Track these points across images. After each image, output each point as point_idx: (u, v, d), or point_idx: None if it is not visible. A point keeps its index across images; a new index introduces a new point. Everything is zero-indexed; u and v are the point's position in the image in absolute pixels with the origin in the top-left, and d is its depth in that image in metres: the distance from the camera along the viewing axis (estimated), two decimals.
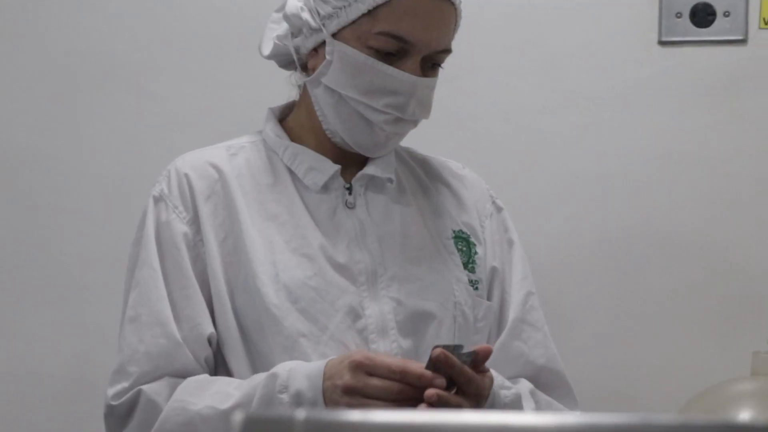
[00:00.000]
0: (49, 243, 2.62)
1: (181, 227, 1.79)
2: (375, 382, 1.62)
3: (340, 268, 1.77)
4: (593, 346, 2.46)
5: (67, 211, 2.62)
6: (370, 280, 1.80)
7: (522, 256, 1.95)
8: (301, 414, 0.90)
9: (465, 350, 1.63)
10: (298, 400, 1.64)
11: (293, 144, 1.84)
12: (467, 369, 1.62)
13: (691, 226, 2.53)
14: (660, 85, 2.55)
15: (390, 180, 1.86)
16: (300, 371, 1.67)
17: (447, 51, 1.80)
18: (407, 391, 1.61)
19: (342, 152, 1.84)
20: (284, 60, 1.86)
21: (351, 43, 1.77)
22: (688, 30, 2.56)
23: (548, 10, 2.60)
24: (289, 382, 1.66)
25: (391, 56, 1.77)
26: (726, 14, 2.54)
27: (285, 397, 1.65)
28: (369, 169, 1.84)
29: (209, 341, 1.77)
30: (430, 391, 1.60)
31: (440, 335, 1.80)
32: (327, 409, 1.62)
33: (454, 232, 1.91)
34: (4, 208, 2.64)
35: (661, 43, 2.56)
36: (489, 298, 1.89)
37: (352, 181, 1.84)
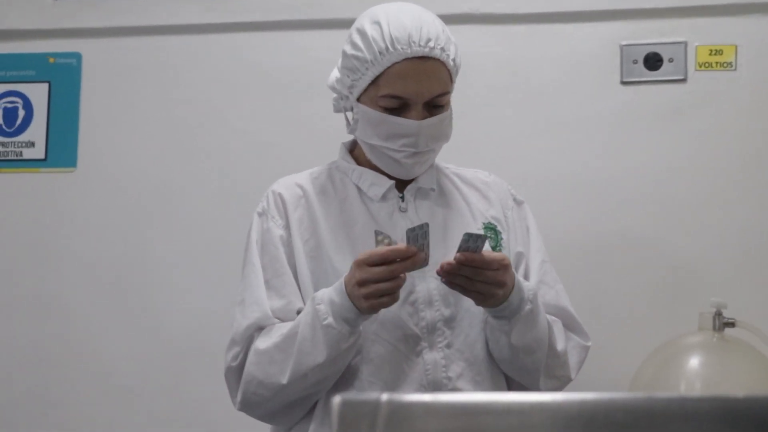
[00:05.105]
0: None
1: (278, 231, 2.10)
2: (376, 269, 1.90)
3: None
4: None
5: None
6: None
7: (537, 235, 2.22)
8: (384, 396, 0.96)
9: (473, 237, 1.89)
10: (332, 306, 1.95)
11: (359, 167, 2.15)
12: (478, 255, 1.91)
13: (647, 224, 2.91)
14: (623, 114, 2.94)
15: (432, 189, 2.15)
16: (330, 288, 1.98)
17: (442, 94, 2.06)
18: (401, 268, 1.89)
19: None
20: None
21: (368, 105, 2.07)
22: (643, 72, 2.93)
23: (540, 59, 2.99)
24: (323, 297, 1.97)
25: (397, 109, 2.05)
26: (670, 60, 2.93)
27: (322, 306, 1.96)
28: (416, 182, 2.15)
29: (298, 312, 2.05)
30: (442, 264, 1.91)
31: (471, 306, 2.03)
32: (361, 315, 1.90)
33: (483, 224, 2.16)
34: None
35: (623, 83, 2.95)
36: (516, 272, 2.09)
37: (404, 192, 2.13)
